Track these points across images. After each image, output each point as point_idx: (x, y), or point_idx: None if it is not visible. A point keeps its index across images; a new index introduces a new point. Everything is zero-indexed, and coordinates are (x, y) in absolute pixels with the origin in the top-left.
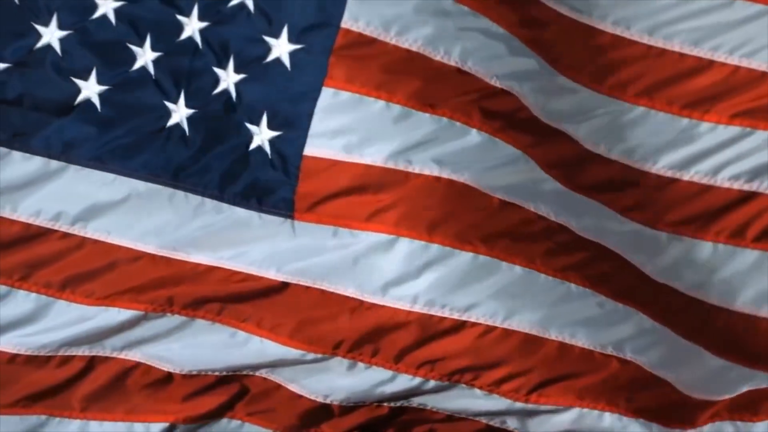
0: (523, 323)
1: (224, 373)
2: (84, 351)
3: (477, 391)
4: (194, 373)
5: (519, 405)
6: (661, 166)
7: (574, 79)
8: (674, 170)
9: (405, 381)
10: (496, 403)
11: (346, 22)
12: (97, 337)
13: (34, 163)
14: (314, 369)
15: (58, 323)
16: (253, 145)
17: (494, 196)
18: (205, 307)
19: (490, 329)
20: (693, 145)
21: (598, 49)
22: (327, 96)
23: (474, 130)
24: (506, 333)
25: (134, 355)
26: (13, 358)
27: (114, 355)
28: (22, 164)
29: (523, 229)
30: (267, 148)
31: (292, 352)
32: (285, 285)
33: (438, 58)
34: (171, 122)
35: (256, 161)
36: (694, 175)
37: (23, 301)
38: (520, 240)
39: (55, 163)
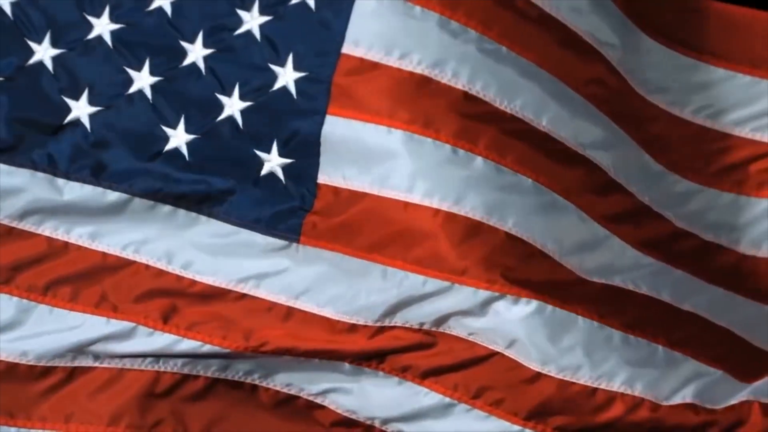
0: None
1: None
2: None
3: None
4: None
5: None
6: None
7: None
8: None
9: None
10: None
11: (347, 48)
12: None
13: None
14: None
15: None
16: (264, 171)
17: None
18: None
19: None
20: None
21: None
22: (331, 123)
23: (479, 158)
24: None
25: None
26: None
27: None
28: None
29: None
30: (280, 175)
31: None
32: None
33: (445, 81)
34: (168, 147)
35: (268, 187)
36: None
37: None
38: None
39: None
